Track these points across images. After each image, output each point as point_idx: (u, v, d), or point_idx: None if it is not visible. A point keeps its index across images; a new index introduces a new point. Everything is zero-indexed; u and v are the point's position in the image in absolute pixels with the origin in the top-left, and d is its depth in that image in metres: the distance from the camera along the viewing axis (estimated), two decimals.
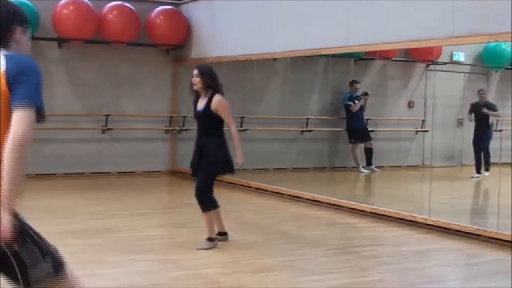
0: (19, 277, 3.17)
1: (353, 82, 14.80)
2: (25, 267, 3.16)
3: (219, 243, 7.26)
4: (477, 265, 7.04)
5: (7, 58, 3.13)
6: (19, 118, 3.02)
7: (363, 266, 6.73)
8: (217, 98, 7.11)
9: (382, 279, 6.28)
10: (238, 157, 7.20)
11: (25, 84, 3.08)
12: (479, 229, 8.01)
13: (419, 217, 8.73)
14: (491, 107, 13.59)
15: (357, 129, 14.64)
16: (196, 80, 7.19)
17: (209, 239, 7.18)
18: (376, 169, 14.57)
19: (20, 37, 3.31)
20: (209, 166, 7.16)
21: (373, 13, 9.19)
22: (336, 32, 9.81)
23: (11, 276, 3.21)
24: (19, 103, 3.04)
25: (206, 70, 7.28)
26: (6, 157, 2.98)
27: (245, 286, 5.80)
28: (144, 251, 6.96)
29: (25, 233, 3.14)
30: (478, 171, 13.95)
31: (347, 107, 14.70)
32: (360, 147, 14.77)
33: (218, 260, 6.77)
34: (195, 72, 7.22)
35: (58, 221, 8.38)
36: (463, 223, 8.34)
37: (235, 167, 7.29)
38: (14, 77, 3.07)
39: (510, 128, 15.02)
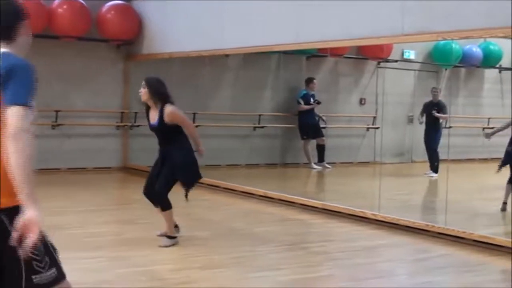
0: (23, 281, 3.15)
1: (311, 79, 14.82)
2: (33, 271, 3.16)
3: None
4: (424, 260, 7.12)
5: (2, 57, 3.19)
6: (9, 116, 3.07)
7: (312, 262, 6.75)
8: (168, 110, 6.96)
9: (331, 274, 6.32)
10: (200, 148, 7.18)
11: (14, 83, 3.12)
12: (427, 225, 8.11)
13: (369, 213, 8.80)
14: (442, 107, 13.71)
15: (309, 126, 14.69)
16: (142, 91, 7.07)
17: (170, 237, 7.13)
18: (328, 166, 14.65)
19: (23, 32, 3.35)
20: (171, 170, 7.07)
21: (323, 10, 9.21)
22: (286, 29, 9.82)
23: (9, 278, 3.19)
24: (7, 102, 3.09)
25: (152, 81, 7.12)
26: (9, 154, 3.04)
27: (193, 282, 5.78)
28: (92, 248, 6.88)
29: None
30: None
31: (297, 103, 14.72)
32: (312, 143, 14.83)
33: (167, 256, 6.73)
34: (142, 83, 7.13)
35: None
36: (413, 219, 8.42)
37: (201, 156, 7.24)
38: (5, 76, 3.13)
39: (458, 125, 15.34)
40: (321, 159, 14.73)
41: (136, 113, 13.34)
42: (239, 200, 10.52)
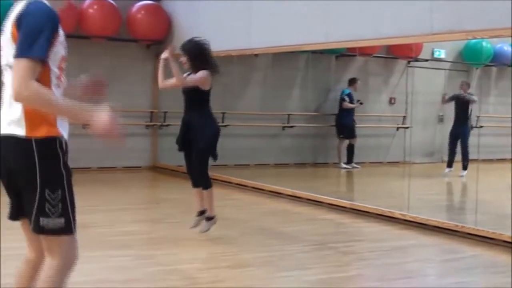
0: (33, 215, 3.23)
1: (355, 80, 14.79)
2: (43, 212, 3.23)
3: (201, 239, 7.27)
4: (454, 261, 7.06)
5: (24, 3, 3.10)
6: (14, 71, 3.02)
7: (340, 261, 6.73)
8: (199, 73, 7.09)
9: (359, 274, 6.30)
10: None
11: (23, 30, 3.03)
12: (457, 225, 8.04)
13: (397, 213, 8.75)
14: (469, 98, 13.61)
15: (347, 125, 14.66)
16: (182, 60, 7.18)
17: (209, 218, 7.32)
18: (356, 166, 14.61)
19: None
20: (203, 148, 7.19)
21: (352, 9, 9.18)
22: (314, 28, 9.80)
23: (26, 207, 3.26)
24: (15, 53, 3.03)
25: (189, 47, 7.25)
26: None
27: (220, 281, 5.79)
28: (121, 247, 6.92)
29: (64, 184, 3.27)
30: (450, 166, 13.90)
31: (340, 102, 14.69)
32: (345, 143, 14.79)
33: (196, 255, 6.74)
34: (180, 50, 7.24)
35: None
36: (442, 219, 8.36)
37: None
38: (19, 22, 3.05)
39: (489, 125, 15.20)
40: (350, 160, 14.69)
41: (165, 112, 13.41)
42: (267, 199, 10.51)
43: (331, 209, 9.58)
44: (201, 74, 7.12)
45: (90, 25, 12.61)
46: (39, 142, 3.17)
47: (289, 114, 14.70)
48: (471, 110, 13.68)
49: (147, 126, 13.80)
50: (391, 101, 15.90)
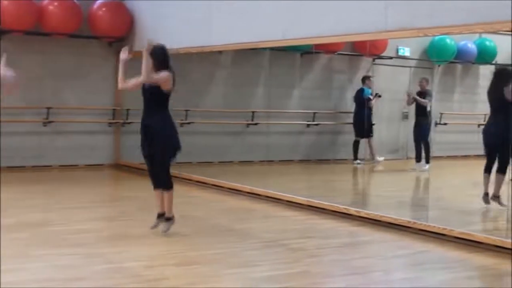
0: None
1: (368, 77, 14.90)
2: None
3: (153, 237, 7.28)
4: (403, 257, 7.11)
5: None
6: None
7: (289, 258, 6.73)
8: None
9: (306, 271, 6.31)
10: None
11: None
12: (409, 221, 8.09)
13: (352, 210, 8.80)
14: (426, 95, 13.72)
15: (369, 123, 14.76)
16: (144, 62, 7.25)
17: (168, 219, 7.45)
18: (361, 162, 14.71)
19: None
20: (163, 152, 7.35)
21: (309, 8, 9.23)
22: (273, 26, 9.84)
23: None
24: None
25: (158, 50, 7.37)
26: None
27: (165, 279, 5.79)
28: (72, 245, 6.90)
29: None
30: (418, 160, 13.98)
31: (367, 101, 14.73)
32: (349, 139, 14.94)
33: (145, 253, 6.73)
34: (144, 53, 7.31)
35: None
36: (398, 215, 8.38)
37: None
38: None
39: (454, 122, 15.34)
40: (355, 157, 14.77)
41: (128, 110, 13.37)
42: (226, 197, 10.58)
43: (288, 206, 9.61)
44: (164, 73, 7.29)
45: (50, 21, 12.53)
46: None
47: (253, 111, 14.71)
48: (430, 107, 13.77)
49: (110, 124, 13.75)
50: None
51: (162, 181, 7.46)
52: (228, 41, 10.88)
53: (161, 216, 7.54)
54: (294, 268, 6.39)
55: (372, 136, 14.84)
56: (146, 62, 7.22)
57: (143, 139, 7.45)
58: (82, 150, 13.44)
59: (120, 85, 7.58)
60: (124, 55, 7.56)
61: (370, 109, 14.71)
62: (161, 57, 7.34)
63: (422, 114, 13.74)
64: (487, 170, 9.46)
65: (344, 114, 15.86)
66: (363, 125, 14.66)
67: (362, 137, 14.79)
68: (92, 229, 7.97)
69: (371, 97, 14.73)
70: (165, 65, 7.34)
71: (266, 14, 10.01)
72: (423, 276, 6.37)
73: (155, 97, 7.33)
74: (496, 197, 9.33)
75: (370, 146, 14.93)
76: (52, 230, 7.65)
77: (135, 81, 7.46)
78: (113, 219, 8.55)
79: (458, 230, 7.55)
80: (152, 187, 7.61)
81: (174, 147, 7.43)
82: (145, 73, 7.21)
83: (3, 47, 12.60)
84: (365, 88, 14.86)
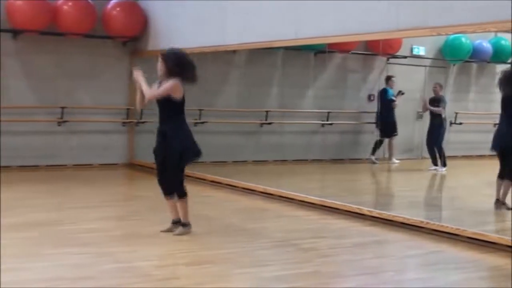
0: None
1: (390, 77, 14.91)
2: None
3: (163, 237, 7.28)
4: (415, 257, 7.06)
5: None
6: None
7: (300, 258, 6.70)
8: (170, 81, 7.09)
9: (317, 271, 6.27)
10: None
11: None
12: (422, 222, 8.04)
13: (365, 210, 8.75)
14: (440, 101, 13.70)
15: (393, 123, 14.77)
16: (159, 65, 7.17)
17: (184, 224, 7.37)
18: (376, 161, 14.66)
19: None
20: (175, 160, 7.23)
21: (321, 7, 9.21)
22: (285, 25, 9.82)
23: None
24: None
25: (171, 55, 7.21)
26: None
27: (175, 278, 5.77)
28: (81, 244, 6.89)
29: None
30: (435, 164, 13.93)
31: (390, 102, 14.71)
32: (369, 137, 15.00)
33: (155, 253, 6.71)
34: (159, 57, 7.22)
35: None
36: (412, 215, 8.31)
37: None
38: None
39: (469, 122, 15.25)
40: (373, 152, 14.74)
41: (142, 109, 13.34)
42: (239, 196, 10.54)
43: (301, 206, 9.57)
44: (172, 81, 7.11)
45: (65, 21, 12.56)
46: None
47: (267, 111, 14.68)
48: (444, 114, 13.74)
49: (124, 123, 13.77)
50: (370, 98, 15.88)
51: (175, 188, 7.36)
52: (242, 41, 10.86)
53: (176, 223, 7.47)
54: (305, 268, 6.35)
55: (396, 135, 14.83)
56: (142, 85, 7.17)
57: (157, 146, 7.36)
58: (96, 149, 13.46)
59: (148, 97, 7.27)
60: (137, 73, 7.35)
61: (393, 109, 14.70)
62: (172, 62, 7.15)
63: (436, 119, 13.68)
64: (501, 175, 9.37)
65: (358, 113, 15.81)
66: (387, 125, 14.64)
67: (387, 137, 14.78)
68: (103, 228, 7.97)
69: (394, 98, 14.72)
70: (176, 71, 7.13)
71: (279, 13, 9.99)
72: (436, 276, 6.31)
73: (167, 105, 7.19)
74: (503, 204, 9.27)
75: (391, 147, 14.92)
76: (62, 229, 7.64)
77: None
78: (124, 219, 8.55)
79: (471, 230, 7.49)
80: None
81: (191, 152, 7.34)
82: (147, 95, 7.15)
83: (18, 47, 12.70)
84: (388, 88, 14.84)
